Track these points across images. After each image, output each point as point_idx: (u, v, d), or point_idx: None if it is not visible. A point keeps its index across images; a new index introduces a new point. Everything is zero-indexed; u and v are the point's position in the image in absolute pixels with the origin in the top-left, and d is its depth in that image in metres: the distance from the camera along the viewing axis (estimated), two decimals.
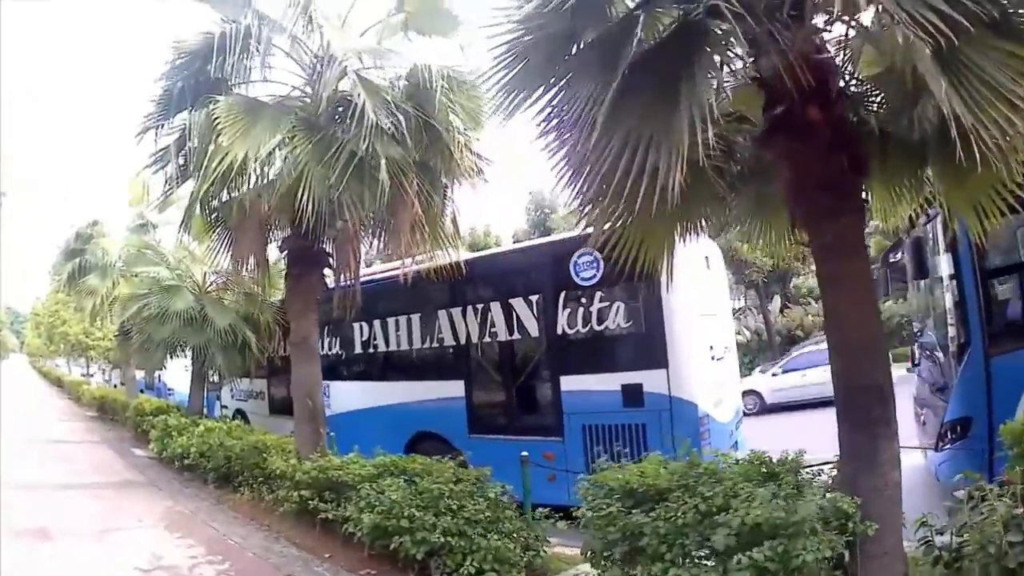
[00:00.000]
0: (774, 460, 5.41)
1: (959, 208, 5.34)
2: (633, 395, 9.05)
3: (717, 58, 4.45)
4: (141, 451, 17.08)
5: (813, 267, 37.47)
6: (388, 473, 7.93)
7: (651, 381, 8.94)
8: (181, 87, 9.41)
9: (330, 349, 13.85)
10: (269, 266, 10.63)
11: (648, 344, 9.09)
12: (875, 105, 5.48)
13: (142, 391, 25.51)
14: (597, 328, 9.54)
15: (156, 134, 9.71)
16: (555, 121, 5.01)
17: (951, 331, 8.03)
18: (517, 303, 10.46)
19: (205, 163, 8.33)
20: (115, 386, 34.69)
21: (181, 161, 9.54)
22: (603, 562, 5.46)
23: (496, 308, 10.74)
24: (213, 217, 10.88)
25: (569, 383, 9.75)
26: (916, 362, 10.60)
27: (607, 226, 5.58)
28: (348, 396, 13.21)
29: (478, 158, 10.15)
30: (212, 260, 12.55)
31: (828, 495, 4.65)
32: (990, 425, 7.12)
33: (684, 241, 6.27)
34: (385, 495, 7.22)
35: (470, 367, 11.30)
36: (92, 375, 45.03)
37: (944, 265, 8.19)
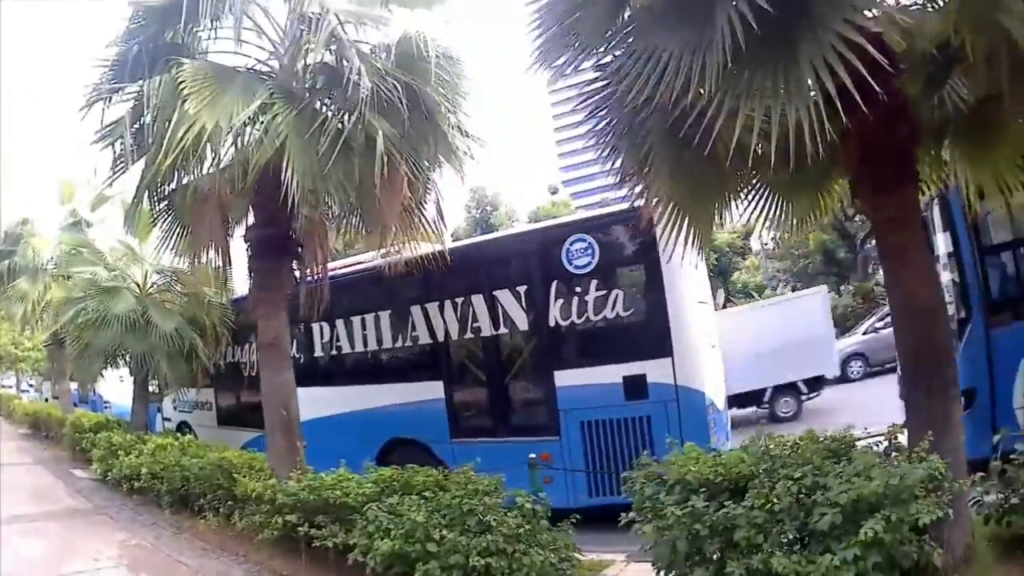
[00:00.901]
0: (824, 438, 5.29)
1: (984, 184, 5.64)
2: (636, 387, 8.59)
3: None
4: (82, 472, 15.34)
5: (747, 262, 39.19)
6: (392, 490, 6.97)
7: (655, 371, 8.52)
8: (138, 51, 8.30)
9: None
10: (230, 259, 9.42)
11: (651, 332, 8.71)
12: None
13: (75, 404, 23.64)
14: (594, 318, 9.02)
15: (105, 105, 8.41)
16: (612, 84, 5.00)
17: (951, 308, 8.11)
18: (503, 295, 9.83)
19: (168, 134, 7.07)
20: (46, 400, 32.77)
21: (131, 141, 8.20)
22: (688, 564, 4.93)
23: (478, 301, 10.05)
24: (163, 206, 9.78)
25: (564, 378, 9.18)
26: None
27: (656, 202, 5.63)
28: (307, 403, 12.00)
29: (472, 140, 9.10)
30: (160, 256, 11.22)
31: (923, 460, 4.46)
32: (992, 394, 7.59)
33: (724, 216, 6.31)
34: (404, 517, 6.18)
35: (450, 366, 10.63)
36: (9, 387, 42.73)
37: (942, 244, 8.35)
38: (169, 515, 10.77)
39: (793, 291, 38.31)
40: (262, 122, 7.26)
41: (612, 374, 8.75)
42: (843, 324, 30.83)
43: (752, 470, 5.01)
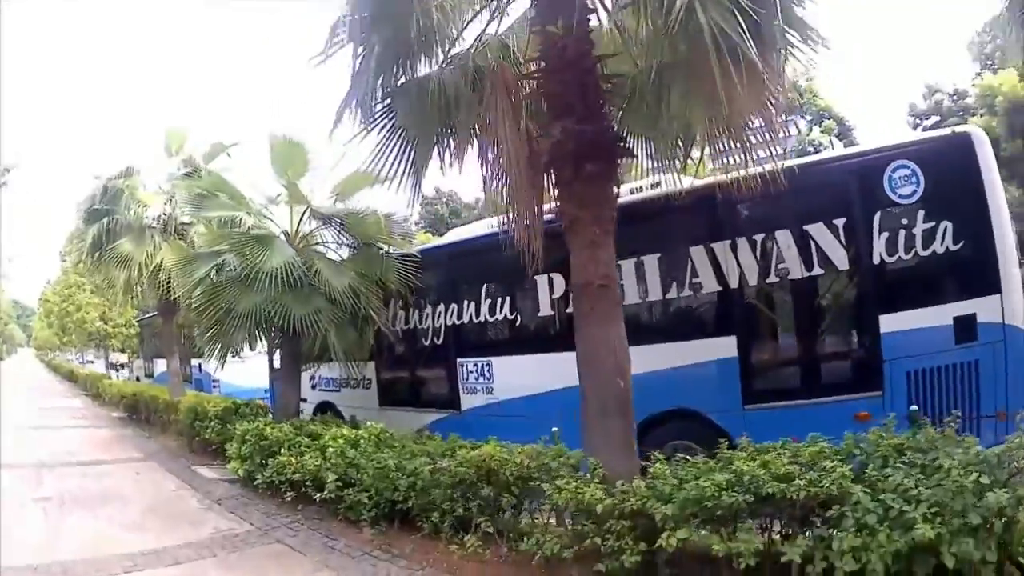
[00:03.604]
0: None
1: None
2: (966, 328, 7.74)
3: None
4: (209, 471, 12.37)
5: None
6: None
7: (984, 309, 7.69)
8: None
9: (494, 313, 11.14)
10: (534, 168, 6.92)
11: (979, 266, 7.84)
12: None
13: None
14: (922, 253, 8.01)
15: None
16: None
17: None
18: (816, 230, 8.48)
19: None
20: (136, 379, 30.79)
21: None
22: None
23: (784, 238, 8.65)
24: (385, 105, 7.57)
25: (890, 322, 8.06)
26: None
27: None
28: (530, 375, 10.43)
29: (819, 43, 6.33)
30: (385, 180, 8.35)
31: None
32: None
33: None
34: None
35: (745, 317, 9.10)
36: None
37: None
38: (371, 536, 7.95)
39: None
40: None
41: (941, 315, 7.84)
42: None
43: None
